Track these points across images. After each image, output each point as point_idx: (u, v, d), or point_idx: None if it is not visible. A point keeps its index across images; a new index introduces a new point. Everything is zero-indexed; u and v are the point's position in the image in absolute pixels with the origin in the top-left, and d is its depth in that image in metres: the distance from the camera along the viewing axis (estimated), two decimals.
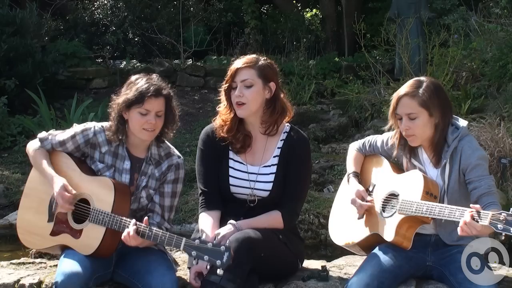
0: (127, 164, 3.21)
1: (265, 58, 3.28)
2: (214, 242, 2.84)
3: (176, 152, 3.31)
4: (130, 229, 2.95)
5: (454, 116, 3.24)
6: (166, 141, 3.28)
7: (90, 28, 13.51)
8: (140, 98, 3.08)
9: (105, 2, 14.32)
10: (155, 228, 3.00)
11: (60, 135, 3.26)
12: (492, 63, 8.70)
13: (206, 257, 2.81)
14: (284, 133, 3.29)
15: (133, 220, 2.99)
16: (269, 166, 3.25)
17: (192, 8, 13.88)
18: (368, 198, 3.26)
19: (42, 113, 9.31)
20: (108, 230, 3.05)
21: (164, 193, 3.25)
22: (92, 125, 3.25)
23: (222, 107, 3.28)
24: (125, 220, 3.02)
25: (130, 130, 3.19)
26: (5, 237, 6.13)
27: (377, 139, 3.42)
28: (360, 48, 9.98)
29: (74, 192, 3.10)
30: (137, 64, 11.93)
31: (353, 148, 3.50)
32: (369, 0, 14.34)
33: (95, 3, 14.43)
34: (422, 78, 3.20)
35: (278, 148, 3.27)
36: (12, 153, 8.70)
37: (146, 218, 3.03)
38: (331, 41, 13.53)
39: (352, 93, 9.68)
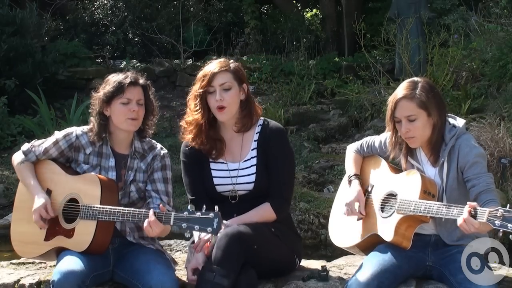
0: (111, 162, 3.26)
1: (232, 61, 3.34)
2: (203, 211, 2.87)
3: (159, 144, 3.38)
4: (150, 217, 2.96)
5: (451, 115, 3.25)
6: (147, 137, 3.35)
7: (90, 28, 13.51)
8: (120, 88, 3.19)
9: (105, 2, 14.31)
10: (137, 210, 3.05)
11: (42, 144, 3.31)
12: (492, 63, 8.69)
13: (196, 227, 2.85)
14: (258, 126, 3.35)
15: (151, 210, 2.99)
16: (249, 159, 3.30)
17: (192, 8, 13.88)
18: (362, 210, 3.25)
19: (42, 113, 9.31)
20: (100, 223, 3.07)
21: (155, 180, 3.28)
22: (74, 130, 3.32)
23: (194, 113, 3.26)
24: (114, 209, 3.05)
25: (113, 125, 3.25)
26: (5, 237, 6.10)
27: (375, 140, 3.42)
28: (360, 48, 9.97)
29: (52, 214, 3.15)
30: (137, 64, 11.91)
31: (351, 149, 3.49)
32: (369, 0, 14.33)
33: (95, 3, 14.42)
34: (416, 78, 3.19)
35: (255, 141, 3.32)
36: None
37: (161, 205, 3.03)
38: (331, 41, 13.53)
39: (352, 93, 9.67)
